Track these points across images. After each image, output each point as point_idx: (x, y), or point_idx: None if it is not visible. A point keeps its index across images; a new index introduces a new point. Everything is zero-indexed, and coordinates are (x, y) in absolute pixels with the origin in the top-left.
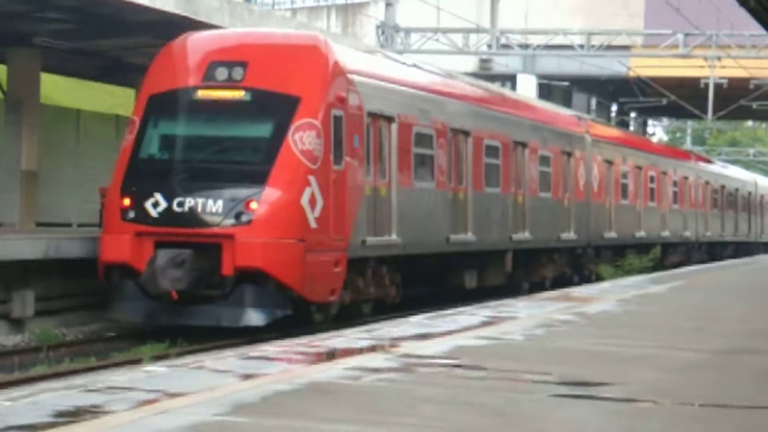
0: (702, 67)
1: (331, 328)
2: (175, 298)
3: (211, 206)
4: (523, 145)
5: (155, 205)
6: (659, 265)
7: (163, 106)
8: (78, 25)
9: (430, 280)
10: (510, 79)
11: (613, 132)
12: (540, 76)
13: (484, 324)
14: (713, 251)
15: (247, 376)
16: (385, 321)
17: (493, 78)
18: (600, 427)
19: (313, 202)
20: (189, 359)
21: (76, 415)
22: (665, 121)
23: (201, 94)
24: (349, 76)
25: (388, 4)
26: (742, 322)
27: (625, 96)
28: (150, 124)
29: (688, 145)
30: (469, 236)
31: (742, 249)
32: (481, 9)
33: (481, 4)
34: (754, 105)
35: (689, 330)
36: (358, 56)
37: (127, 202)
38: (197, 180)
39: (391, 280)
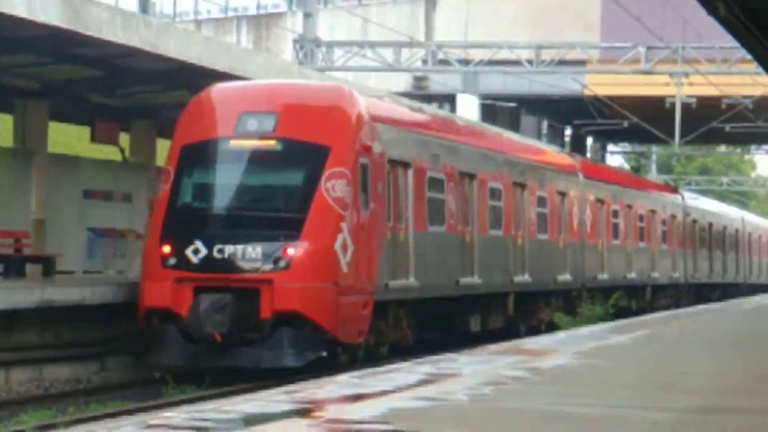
0: (667, 84)
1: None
2: (219, 340)
3: (250, 252)
4: (522, 186)
5: (196, 251)
6: (648, 308)
7: (197, 156)
8: None
9: (438, 323)
10: (449, 100)
11: (603, 170)
12: (483, 96)
13: (423, 382)
14: (701, 293)
15: None
16: (308, 381)
17: (430, 99)
18: None
19: (344, 247)
20: (80, 429)
21: None
22: (627, 146)
23: (234, 144)
24: (373, 124)
25: (307, 15)
26: (714, 377)
27: (580, 118)
28: (185, 173)
29: (653, 174)
30: (476, 279)
31: (731, 291)
32: (414, 20)
33: (415, 15)
34: (727, 127)
35: (655, 386)
36: (378, 104)
37: (167, 249)
38: (236, 227)
39: (408, 323)
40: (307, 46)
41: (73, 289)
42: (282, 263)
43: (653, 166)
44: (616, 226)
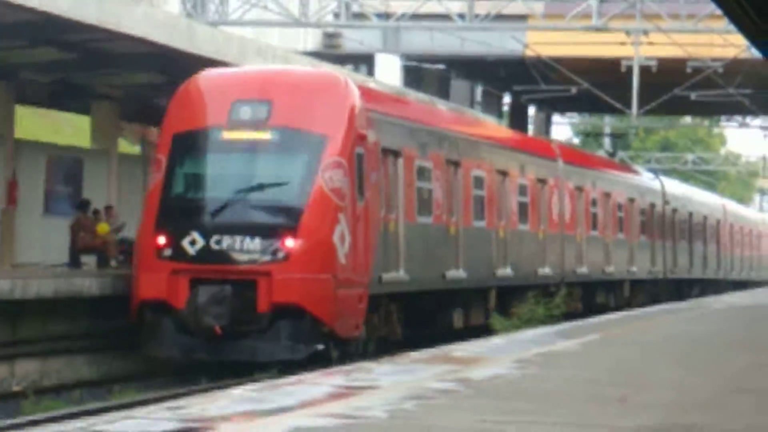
0: (623, 44)
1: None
2: (219, 333)
3: (249, 244)
4: (504, 173)
5: (192, 243)
6: (626, 305)
7: (190, 145)
8: None
9: (422, 319)
10: (365, 61)
11: (581, 155)
12: (406, 57)
13: (333, 397)
14: (680, 289)
15: None
16: (197, 395)
17: (343, 59)
18: None
19: (342, 238)
20: None
21: None
22: (576, 116)
23: (229, 133)
24: (367, 112)
25: None
26: (676, 390)
27: (521, 83)
28: (178, 163)
29: (606, 149)
30: (461, 272)
31: (711, 287)
32: None
33: None
34: (693, 95)
35: (608, 400)
36: (370, 92)
37: (162, 240)
38: (234, 218)
39: (397, 318)
40: None
41: None
42: (280, 255)
43: (606, 141)
44: (594, 216)
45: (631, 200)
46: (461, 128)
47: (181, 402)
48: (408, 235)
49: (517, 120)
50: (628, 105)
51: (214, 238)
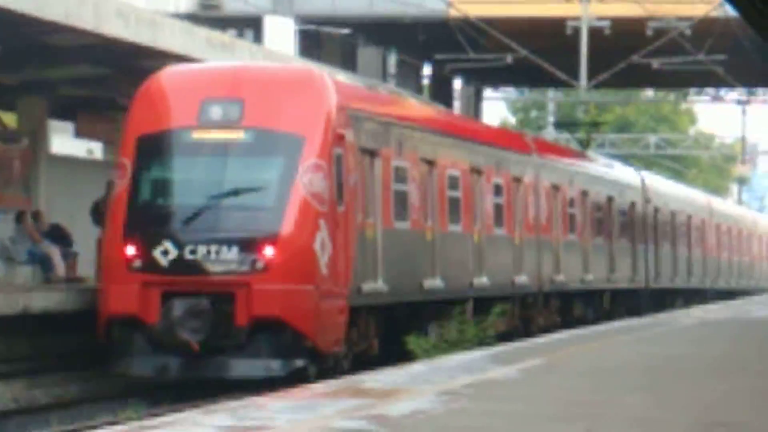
0: (569, 1)
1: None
2: (196, 349)
3: (225, 253)
4: (478, 172)
5: (165, 253)
6: (608, 316)
7: (157, 148)
8: None
9: (397, 333)
10: (252, 25)
11: (557, 149)
12: (302, 20)
13: None
14: (662, 300)
15: None
16: None
17: (225, 23)
18: None
19: (323, 246)
20: None
21: None
22: (512, 91)
23: (198, 135)
24: (344, 110)
25: None
26: (641, 427)
27: (444, 51)
28: (144, 167)
29: (550, 132)
30: (438, 282)
31: (696, 297)
32: None
33: None
34: (655, 63)
35: None
36: (345, 87)
37: (131, 251)
38: (209, 226)
39: (375, 332)
40: None
41: None
42: (259, 265)
43: (550, 121)
44: (572, 218)
45: (610, 199)
46: (434, 123)
47: None
48: (386, 241)
49: (440, 95)
50: (576, 76)
51: (188, 247)
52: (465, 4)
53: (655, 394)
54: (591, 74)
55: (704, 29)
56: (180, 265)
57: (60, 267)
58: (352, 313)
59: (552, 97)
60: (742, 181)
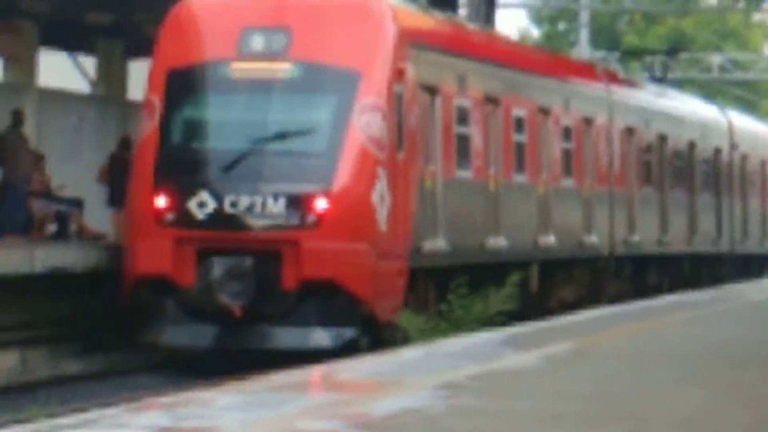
0: None
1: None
2: (238, 315)
3: (271, 206)
4: (545, 112)
5: (201, 205)
6: (687, 286)
7: (191, 84)
8: None
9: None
10: None
11: (632, 83)
12: None
13: None
14: (750, 267)
15: None
16: None
17: None
18: None
19: (382, 199)
20: None
21: None
22: None
23: (238, 68)
24: (406, 43)
25: None
26: (692, 428)
27: None
28: (176, 106)
29: (582, 49)
30: (501, 241)
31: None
32: None
33: None
34: None
35: None
36: (404, 13)
37: (163, 202)
38: (252, 174)
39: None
40: None
41: None
42: (310, 220)
43: (583, 35)
44: (648, 166)
45: (692, 145)
46: (497, 54)
47: None
48: (447, 195)
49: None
50: None
51: (229, 199)
52: None
53: (708, 388)
54: None
55: None
56: (219, 220)
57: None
58: (412, 275)
59: (586, 3)
60: None
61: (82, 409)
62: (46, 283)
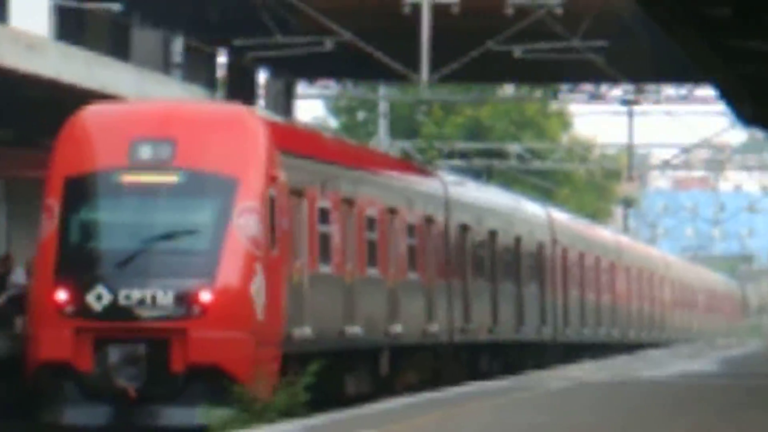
0: None
1: None
2: (133, 397)
3: (161, 298)
4: (393, 212)
5: (98, 298)
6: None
7: (87, 190)
8: None
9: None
10: None
11: (463, 183)
12: None
13: None
14: (569, 356)
15: None
16: None
17: None
18: None
19: (259, 291)
20: None
21: None
22: (332, 85)
23: (129, 176)
24: (277, 151)
25: None
26: None
27: (246, 34)
28: (74, 211)
29: (381, 139)
30: (356, 329)
31: (603, 352)
32: None
33: None
34: (517, 50)
35: None
36: (275, 126)
37: (63, 296)
38: (143, 270)
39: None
40: None
41: None
42: (196, 310)
43: (381, 127)
44: (480, 260)
45: (518, 239)
46: (353, 161)
47: None
48: (312, 287)
49: (241, 91)
50: (416, 67)
51: (123, 292)
52: None
53: None
54: (434, 65)
55: (579, 7)
56: (114, 311)
57: None
58: (284, 361)
59: (384, 94)
60: (628, 203)
61: None
62: None
